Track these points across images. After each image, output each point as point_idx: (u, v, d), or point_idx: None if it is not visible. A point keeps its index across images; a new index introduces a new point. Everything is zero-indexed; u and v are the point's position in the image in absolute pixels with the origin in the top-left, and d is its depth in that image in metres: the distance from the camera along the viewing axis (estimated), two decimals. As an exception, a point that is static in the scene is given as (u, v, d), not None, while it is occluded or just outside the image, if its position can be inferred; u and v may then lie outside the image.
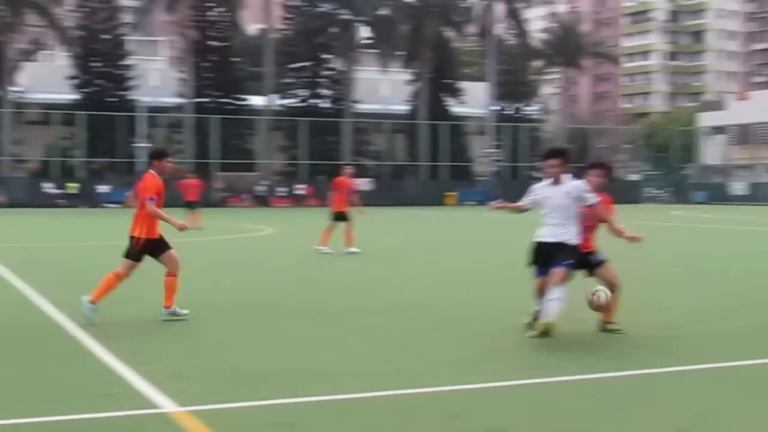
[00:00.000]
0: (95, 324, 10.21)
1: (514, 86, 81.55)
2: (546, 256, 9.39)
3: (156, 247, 10.80)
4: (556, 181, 9.54)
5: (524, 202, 9.84)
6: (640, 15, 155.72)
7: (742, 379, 7.94)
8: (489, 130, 72.07)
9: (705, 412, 6.74)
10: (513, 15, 78.02)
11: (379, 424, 6.42)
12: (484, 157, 72.25)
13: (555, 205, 9.43)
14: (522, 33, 79.80)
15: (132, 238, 10.75)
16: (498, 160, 73.23)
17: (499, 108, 77.45)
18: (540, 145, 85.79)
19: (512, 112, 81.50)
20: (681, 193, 78.86)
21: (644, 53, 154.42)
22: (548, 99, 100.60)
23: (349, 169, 22.22)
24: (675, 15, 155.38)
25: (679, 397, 7.23)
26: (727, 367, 8.40)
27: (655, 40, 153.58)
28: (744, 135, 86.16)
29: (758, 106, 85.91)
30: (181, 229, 11.04)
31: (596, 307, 9.65)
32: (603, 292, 9.56)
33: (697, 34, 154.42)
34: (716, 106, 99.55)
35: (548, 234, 9.45)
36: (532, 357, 8.79)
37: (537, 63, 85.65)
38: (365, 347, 9.39)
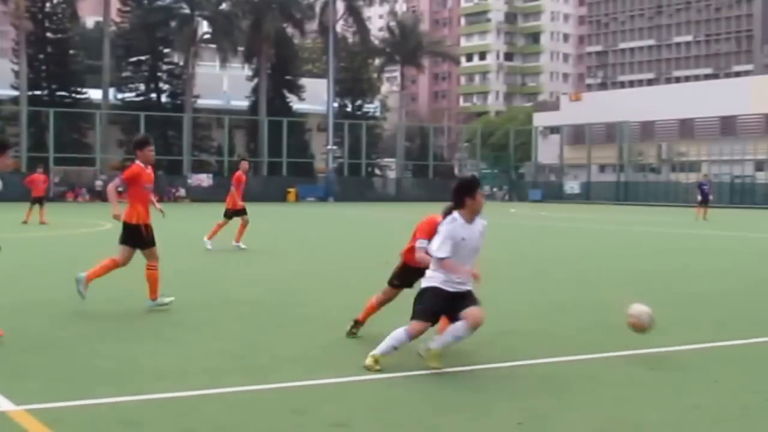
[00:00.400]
0: (169, 306, 11.33)
1: (354, 83, 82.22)
2: (453, 303, 7.98)
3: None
4: (472, 219, 7.98)
5: (447, 252, 7.84)
6: (477, 16, 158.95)
7: (576, 373, 8.12)
8: (329, 126, 72.29)
9: (542, 405, 6.88)
10: (353, 13, 78.54)
11: (223, 420, 6.36)
12: (325, 153, 72.44)
13: (472, 249, 7.97)
14: (362, 31, 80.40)
15: (133, 226, 11.28)
16: (338, 157, 73.59)
17: (339, 105, 77.83)
18: (379, 142, 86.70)
19: (352, 109, 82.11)
20: (517, 191, 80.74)
21: (482, 53, 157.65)
22: (388, 97, 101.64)
23: (245, 165, 21.92)
24: (511, 17, 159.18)
25: (518, 391, 7.36)
26: (562, 361, 8.61)
27: (493, 41, 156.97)
28: (577, 135, 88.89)
29: (591, 107, 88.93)
30: (114, 217, 11.36)
31: (640, 329, 8.90)
32: (647, 315, 8.88)
33: (533, 36, 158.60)
34: (551, 106, 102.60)
35: (457, 282, 7.95)
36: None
37: (377, 61, 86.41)
38: (209, 343, 9.28)
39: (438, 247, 7.83)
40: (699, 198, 42.20)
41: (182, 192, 62.75)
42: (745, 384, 7.73)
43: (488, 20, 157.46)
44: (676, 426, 6.42)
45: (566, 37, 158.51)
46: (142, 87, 72.06)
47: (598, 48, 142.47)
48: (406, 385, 7.56)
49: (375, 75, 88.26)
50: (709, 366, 8.46)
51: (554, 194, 76.99)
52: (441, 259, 7.82)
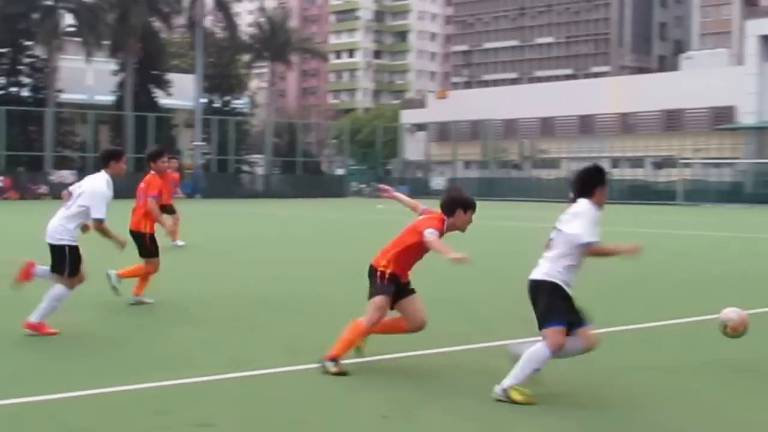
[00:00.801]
0: (119, 293, 11.59)
1: (222, 79, 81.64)
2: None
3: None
4: (601, 208, 7.45)
5: (598, 236, 7.16)
6: (346, 13, 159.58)
7: (440, 365, 8.26)
8: (197, 122, 71.77)
9: (407, 397, 7.00)
10: (222, 8, 78.03)
11: (85, 424, 6.29)
12: (192, 149, 71.86)
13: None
14: (231, 26, 79.90)
15: (139, 234, 11.91)
16: (206, 153, 73.13)
17: (207, 101, 77.30)
18: (248, 138, 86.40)
19: (220, 105, 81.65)
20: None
21: (350, 51, 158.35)
22: (256, 93, 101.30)
23: (173, 163, 22.22)
24: (380, 15, 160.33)
25: (383, 384, 7.46)
26: (427, 354, 8.74)
27: (361, 39, 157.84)
28: (443, 132, 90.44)
29: (456, 105, 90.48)
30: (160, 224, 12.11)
31: (732, 334, 8.04)
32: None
33: (401, 34, 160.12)
34: (418, 104, 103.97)
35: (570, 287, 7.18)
36: (239, 350, 8.81)
37: (245, 57, 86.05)
38: (70, 345, 9.08)
39: (589, 232, 7.04)
40: (571, 195, 43.68)
41: (44, 189, 61.36)
42: (591, 372, 7.98)
43: (357, 18, 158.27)
44: (531, 414, 6.66)
45: (433, 36, 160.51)
46: (2, 80, 70.16)
47: (464, 47, 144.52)
48: (270, 382, 7.58)
49: (243, 71, 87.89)
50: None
51: (421, 190, 77.91)
52: (590, 245, 7.01)
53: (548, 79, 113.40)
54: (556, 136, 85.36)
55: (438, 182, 79.88)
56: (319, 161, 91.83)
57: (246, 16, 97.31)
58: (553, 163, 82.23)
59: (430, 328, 9.98)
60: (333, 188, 74.71)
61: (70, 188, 10.01)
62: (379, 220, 37.05)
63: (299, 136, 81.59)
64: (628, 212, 48.17)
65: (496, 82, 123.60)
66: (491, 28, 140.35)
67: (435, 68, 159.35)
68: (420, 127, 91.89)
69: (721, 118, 75.68)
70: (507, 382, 6.90)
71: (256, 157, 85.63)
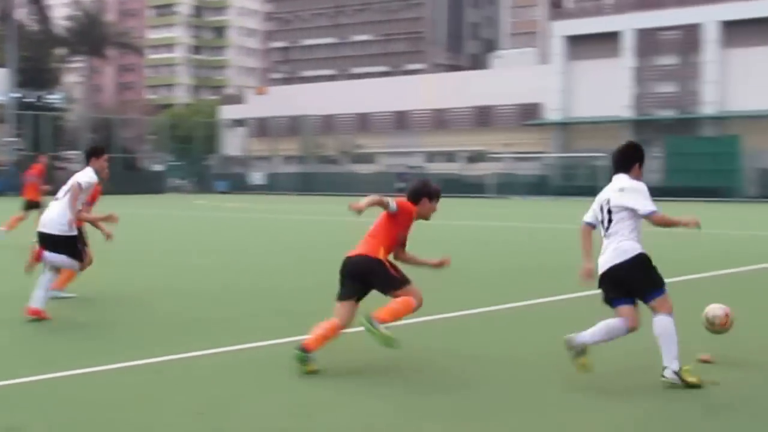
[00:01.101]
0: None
1: (36, 73, 79.77)
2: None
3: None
4: None
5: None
6: (165, 8, 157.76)
7: (255, 360, 8.21)
8: (9, 118, 70.13)
9: (221, 394, 6.89)
10: (35, 0, 76.53)
11: None
12: (4, 145, 70.22)
13: None
14: (44, 19, 78.42)
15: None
16: (19, 149, 71.56)
17: (19, 95, 75.55)
18: (63, 134, 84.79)
19: (34, 99, 79.81)
20: (204, 183, 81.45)
21: (169, 46, 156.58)
22: (72, 88, 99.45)
23: (43, 159, 23.63)
24: (198, 10, 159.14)
25: (198, 381, 7.36)
26: (244, 349, 8.64)
27: (180, 34, 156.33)
28: (263, 128, 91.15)
29: (275, 101, 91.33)
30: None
31: (718, 330, 8.30)
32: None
33: (220, 30, 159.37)
34: (237, 99, 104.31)
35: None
36: (51, 351, 8.59)
37: (60, 51, 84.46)
38: None
39: (651, 202, 7.20)
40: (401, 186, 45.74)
41: None
42: (404, 358, 8.10)
43: (175, 13, 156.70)
44: (344, 402, 6.76)
45: (252, 32, 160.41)
46: None
47: (283, 44, 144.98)
48: (84, 383, 7.34)
49: (58, 65, 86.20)
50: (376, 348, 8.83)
51: (240, 185, 78.41)
52: (653, 213, 7.15)
53: (365, 75, 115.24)
54: (372, 132, 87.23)
55: (257, 177, 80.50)
56: (137, 157, 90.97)
57: (61, 9, 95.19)
58: (369, 158, 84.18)
59: (245, 322, 10.32)
60: (151, 184, 74.30)
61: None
62: (197, 216, 37.27)
63: (116, 132, 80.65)
64: (442, 205, 49.88)
65: (314, 79, 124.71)
66: (309, 25, 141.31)
67: (254, 64, 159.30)
68: (239, 122, 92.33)
69: (528, 115, 78.96)
70: (673, 365, 7.04)
71: (71, 154, 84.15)
